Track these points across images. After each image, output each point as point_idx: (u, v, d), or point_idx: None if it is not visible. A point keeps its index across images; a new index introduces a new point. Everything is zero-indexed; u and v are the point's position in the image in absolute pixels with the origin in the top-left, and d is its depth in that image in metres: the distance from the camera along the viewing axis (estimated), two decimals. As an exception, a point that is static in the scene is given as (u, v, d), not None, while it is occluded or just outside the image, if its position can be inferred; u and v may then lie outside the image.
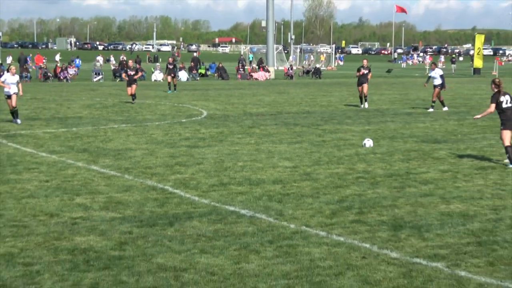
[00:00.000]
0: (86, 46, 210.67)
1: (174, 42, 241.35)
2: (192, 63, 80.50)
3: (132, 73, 43.36)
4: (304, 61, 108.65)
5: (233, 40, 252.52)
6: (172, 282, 10.48)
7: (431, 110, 38.32)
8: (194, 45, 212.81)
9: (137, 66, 65.38)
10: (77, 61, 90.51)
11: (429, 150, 23.67)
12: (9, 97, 31.04)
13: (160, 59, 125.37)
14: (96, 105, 41.22)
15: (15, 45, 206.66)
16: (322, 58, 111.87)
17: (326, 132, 28.56)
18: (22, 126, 29.84)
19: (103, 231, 13.26)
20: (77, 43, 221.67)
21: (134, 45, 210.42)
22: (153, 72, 74.54)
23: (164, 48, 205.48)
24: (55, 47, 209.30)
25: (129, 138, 26.31)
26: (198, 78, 76.75)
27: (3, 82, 30.90)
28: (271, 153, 22.79)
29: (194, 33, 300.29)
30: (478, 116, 22.38)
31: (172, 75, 54.39)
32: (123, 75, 44.85)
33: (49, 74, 71.92)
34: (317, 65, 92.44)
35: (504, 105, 20.60)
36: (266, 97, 49.00)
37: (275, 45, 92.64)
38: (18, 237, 12.83)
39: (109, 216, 14.47)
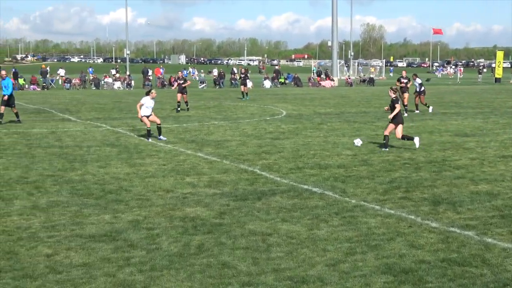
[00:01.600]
0: (193, 61, 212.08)
1: (260, 57, 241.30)
2: (274, 74, 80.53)
3: (181, 82, 37.65)
4: (360, 72, 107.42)
5: (306, 56, 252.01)
6: (260, 244, 10.42)
7: (417, 112, 36.34)
8: (275, 60, 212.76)
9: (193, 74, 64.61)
10: (191, 70, 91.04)
11: (460, 142, 23.18)
12: (146, 116, 24.23)
13: (250, 71, 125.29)
14: (201, 106, 41.42)
15: (140, 61, 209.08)
16: (373, 70, 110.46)
17: (379, 127, 28.19)
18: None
19: (207, 204, 13.27)
20: (187, 59, 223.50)
21: (229, 60, 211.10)
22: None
23: (252, 63, 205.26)
24: (170, 62, 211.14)
25: (226, 132, 26.36)
26: (279, 86, 76.66)
27: (142, 104, 24.05)
28: (336, 144, 22.58)
29: (276, 50, 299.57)
30: (391, 116, 21.32)
31: (244, 84, 49.65)
32: (175, 85, 37.74)
33: (165, 82, 72.62)
34: (371, 75, 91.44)
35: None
36: (331, 100, 48.63)
37: (338, 60, 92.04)
38: (142, 208, 12.93)
39: (211, 192, 14.49)
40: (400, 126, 21.25)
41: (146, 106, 24.20)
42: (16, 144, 22.66)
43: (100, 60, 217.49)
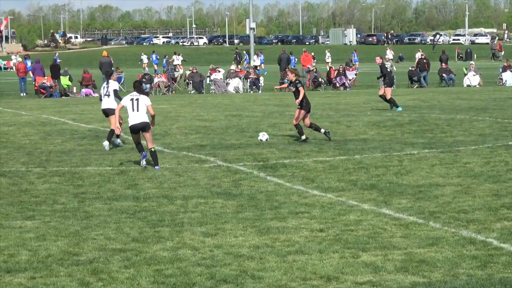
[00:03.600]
0: (370, 39, 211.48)
1: (495, 30, 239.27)
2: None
3: (295, 89, 34.77)
4: None
5: None
6: None
7: None
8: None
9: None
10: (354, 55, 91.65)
11: None
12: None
13: (475, 55, 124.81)
14: (387, 122, 41.33)
15: (273, 41, 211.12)
16: None
17: None
18: (285, 154, 30.27)
19: (402, 303, 13.27)
20: (358, 35, 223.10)
21: (437, 36, 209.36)
22: (465, 74, 74.12)
23: (479, 40, 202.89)
24: (328, 42, 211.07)
25: (434, 169, 26.25)
26: (532, 82, 75.89)
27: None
28: None
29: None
30: None
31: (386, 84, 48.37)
32: (286, 90, 36.80)
33: (320, 79, 72.95)
34: None
35: None
36: None
37: None
38: (285, 310, 13.06)
39: (408, 280, 14.46)
40: None
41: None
42: (58, 193, 23.35)
43: (203, 41, 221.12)
